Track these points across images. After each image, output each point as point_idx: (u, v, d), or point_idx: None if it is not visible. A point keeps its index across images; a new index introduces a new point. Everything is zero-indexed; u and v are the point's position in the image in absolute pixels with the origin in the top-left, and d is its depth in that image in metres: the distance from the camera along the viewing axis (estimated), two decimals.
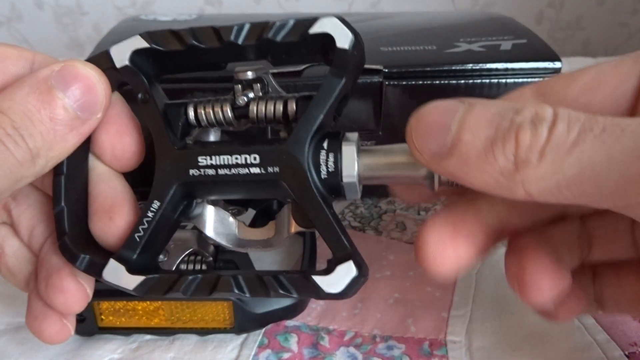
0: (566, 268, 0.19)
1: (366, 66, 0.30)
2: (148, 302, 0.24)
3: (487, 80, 0.31)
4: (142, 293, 0.19)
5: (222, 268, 0.27)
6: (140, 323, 0.25)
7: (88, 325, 0.25)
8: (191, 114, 0.20)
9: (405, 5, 0.99)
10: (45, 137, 0.18)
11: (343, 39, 0.18)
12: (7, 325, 0.26)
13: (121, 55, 0.20)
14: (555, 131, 0.15)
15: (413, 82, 0.30)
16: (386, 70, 0.30)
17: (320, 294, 0.18)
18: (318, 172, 0.19)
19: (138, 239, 0.19)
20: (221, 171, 0.19)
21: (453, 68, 0.30)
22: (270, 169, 0.19)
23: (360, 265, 0.18)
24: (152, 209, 0.19)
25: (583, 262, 0.21)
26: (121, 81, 0.20)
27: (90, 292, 0.20)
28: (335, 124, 0.20)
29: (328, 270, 0.18)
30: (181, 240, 0.26)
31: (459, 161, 0.16)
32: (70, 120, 0.18)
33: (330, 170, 0.19)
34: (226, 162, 0.19)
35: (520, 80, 0.31)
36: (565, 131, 0.15)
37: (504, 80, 0.31)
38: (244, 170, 0.19)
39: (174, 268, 0.25)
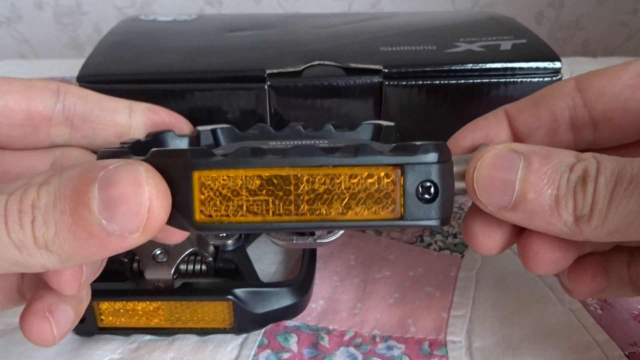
0: (572, 245, 0.20)
1: (366, 66, 0.30)
2: (148, 302, 0.24)
3: (487, 80, 0.31)
4: (202, 154, 0.16)
5: (222, 268, 0.27)
6: (140, 323, 0.25)
7: (88, 325, 0.25)
8: None
9: (405, 5, 1.00)
10: (59, 231, 0.15)
11: (387, 123, 0.26)
12: (7, 326, 0.26)
13: (205, 127, 0.25)
14: (598, 187, 0.17)
15: (413, 82, 0.30)
16: (386, 70, 0.30)
17: (417, 148, 0.17)
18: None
19: None
20: (289, 145, 0.20)
21: (453, 68, 0.30)
22: (338, 144, 0.19)
23: None
24: (218, 152, 0.18)
25: (618, 245, 0.22)
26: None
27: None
28: None
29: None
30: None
31: (526, 214, 0.18)
32: (92, 226, 0.15)
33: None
34: (295, 144, 0.20)
35: (520, 80, 0.31)
36: (604, 186, 0.17)
37: (503, 80, 0.31)
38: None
39: (173, 268, 0.25)
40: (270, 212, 0.17)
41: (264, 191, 0.17)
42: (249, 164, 0.16)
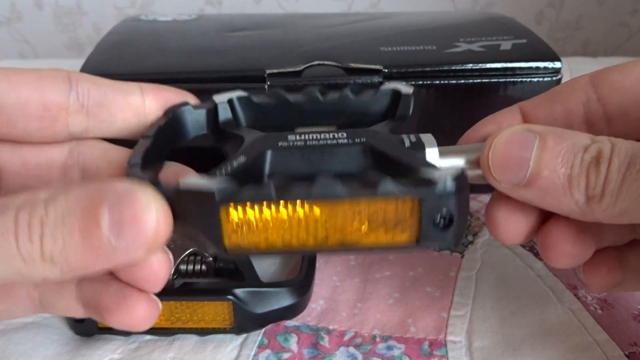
0: (591, 238, 0.20)
1: (366, 66, 0.30)
2: None
3: (487, 80, 0.31)
4: (228, 191, 0.17)
5: (222, 268, 0.27)
6: None
7: (88, 325, 0.25)
8: None
9: (405, 5, 1.00)
10: (67, 246, 0.16)
11: (406, 90, 0.24)
12: (7, 326, 0.26)
13: (222, 98, 0.24)
14: (611, 168, 0.17)
15: (413, 82, 0.30)
16: (386, 70, 0.30)
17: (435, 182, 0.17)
18: (402, 144, 0.21)
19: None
20: (310, 142, 0.20)
21: (453, 68, 0.31)
22: (357, 140, 0.20)
23: None
24: (238, 160, 0.19)
25: (635, 240, 0.22)
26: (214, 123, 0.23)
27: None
28: None
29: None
30: (181, 241, 0.26)
31: (539, 192, 0.19)
32: (100, 242, 0.16)
33: (412, 140, 0.21)
34: (314, 137, 0.21)
35: (520, 80, 0.31)
36: (617, 168, 0.17)
37: (503, 80, 0.31)
38: (332, 141, 0.20)
39: (173, 268, 0.25)
40: (294, 240, 0.18)
41: (288, 222, 0.17)
42: (275, 199, 0.17)
